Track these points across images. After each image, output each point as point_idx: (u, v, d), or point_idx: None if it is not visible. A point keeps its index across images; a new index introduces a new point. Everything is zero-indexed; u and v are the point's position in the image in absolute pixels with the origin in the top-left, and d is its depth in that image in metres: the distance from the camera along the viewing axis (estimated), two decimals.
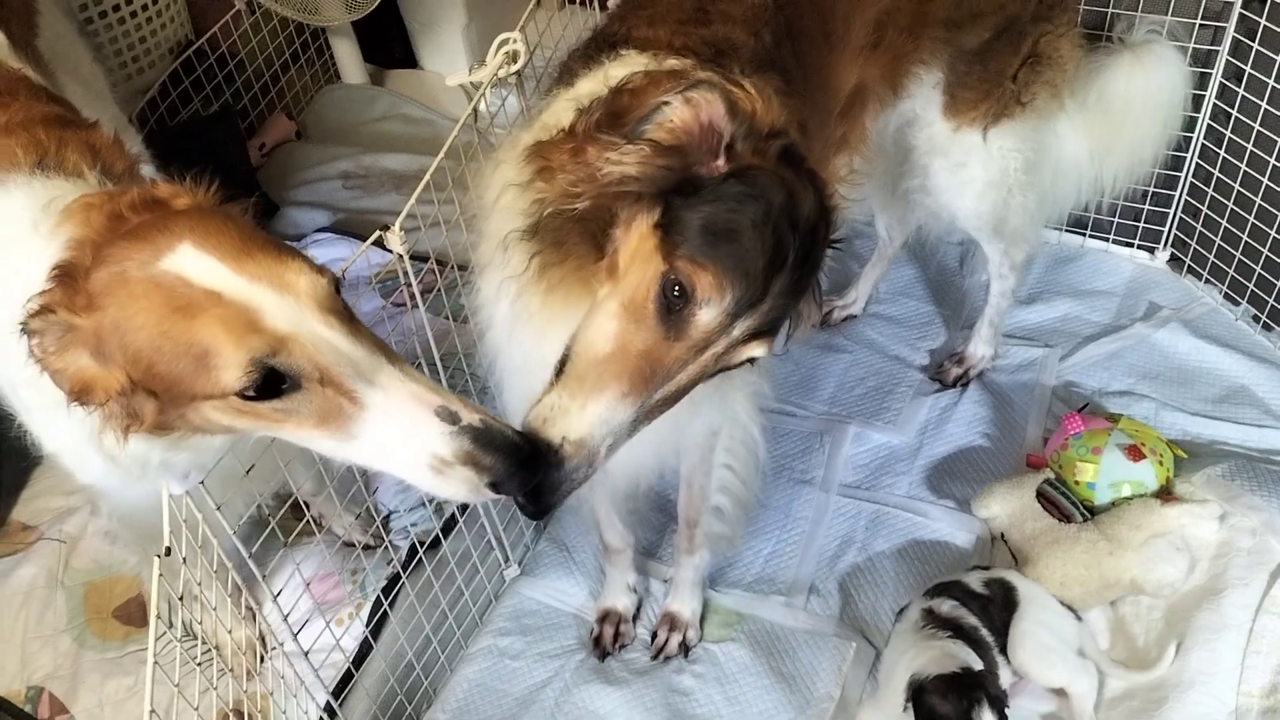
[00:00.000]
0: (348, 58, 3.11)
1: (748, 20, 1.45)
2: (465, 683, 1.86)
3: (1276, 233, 2.12)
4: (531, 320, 1.24)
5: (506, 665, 1.88)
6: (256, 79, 2.93)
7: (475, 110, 1.69)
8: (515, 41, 1.80)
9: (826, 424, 2.19)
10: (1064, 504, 1.87)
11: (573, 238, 1.16)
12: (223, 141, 2.59)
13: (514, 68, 1.77)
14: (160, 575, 1.08)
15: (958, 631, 1.60)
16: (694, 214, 1.08)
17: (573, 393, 1.09)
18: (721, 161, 1.10)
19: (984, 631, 1.65)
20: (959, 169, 1.89)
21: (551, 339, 1.18)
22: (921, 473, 2.08)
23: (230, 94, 2.84)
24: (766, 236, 1.07)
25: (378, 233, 1.46)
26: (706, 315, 1.07)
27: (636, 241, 1.11)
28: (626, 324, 1.10)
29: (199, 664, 1.41)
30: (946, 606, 1.65)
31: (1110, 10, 2.13)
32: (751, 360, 1.14)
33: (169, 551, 1.09)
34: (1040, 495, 1.90)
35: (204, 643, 1.57)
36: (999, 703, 1.43)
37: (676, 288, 1.07)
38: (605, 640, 1.89)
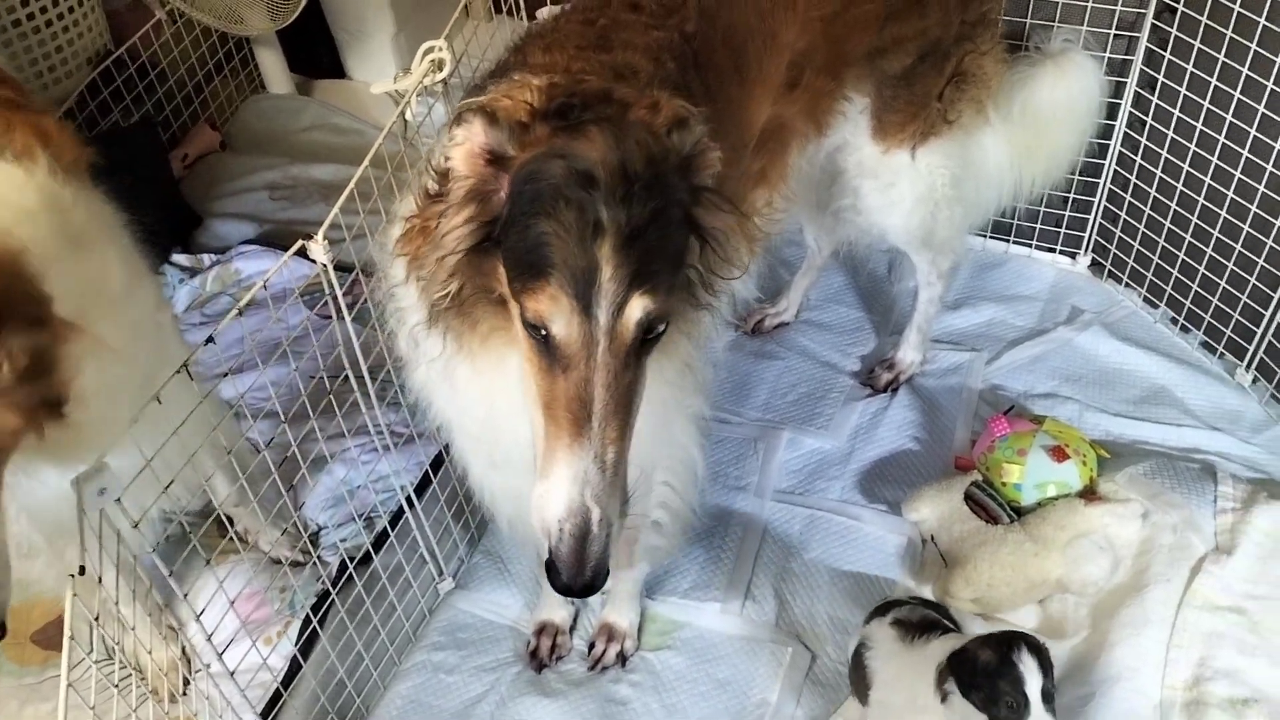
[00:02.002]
0: (273, 67, 3.07)
1: (650, 48, 1.43)
2: (399, 699, 1.83)
3: (1192, 237, 2.19)
4: (469, 388, 1.23)
5: (441, 680, 1.86)
6: (179, 89, 2.87)
7: (403, 118, 1.68)
8: (441, 49, 1.78)
9: (760, 430, 2.20)
10: (991, 505, 1.90)
11: (478, 308, 1.15)
12: (143, 153, 2.53)
13: (440, 76, 1.76)
14: (75, 595, 1.04)
15: (940, 627, 1.60)
16: (507, 243, 1.07)
17: (543, 473, 1.06)
18: (503, 177, 1.08)
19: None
20: (889, 189, 1.92)
21: (498, 392, 1.18)
22: (854, 477, 2.10)
23: (152, 104, 2.78)
24: (564, 215, 1.02)
25: (300, 243, 1.44)
26: (561, 330, 1.05)
27: (507, 294, 1.10)
28: (535, 378, 1.08)
29: (118, 687, 1.36)
30: (913, 614, 1.64)
31: (1029, 21, 2.18)
32: (658, 323, 1.08)
33: (83, 570, 1.05)
34: (968, 497, 1.93)
35: (124, 665, 1.52)
36: (1038, 649, 1.41)
37: (532, 324, 1.05)
38: (542, 652, 1.88)
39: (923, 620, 1.61)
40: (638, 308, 1.04)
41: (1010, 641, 1.41)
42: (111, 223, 1.57)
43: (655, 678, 1.83)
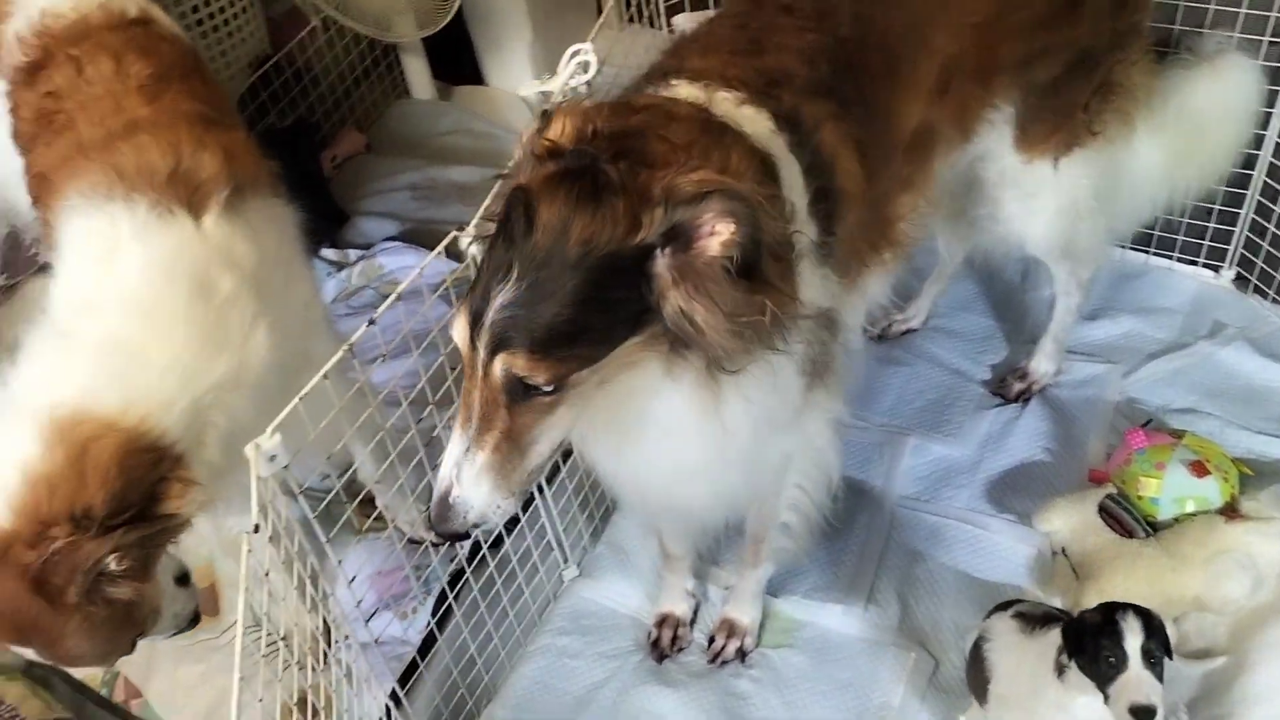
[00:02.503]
0: (417, 74, 3.19)
1: (804, 51, 1.45)
2: (525, 680, 1.89)
3: None
4: None
5: (565, 664, 1.91)
6: (330, 93, 3.02)
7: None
8: (587, 53, 1.85)
9: (885, 435, 2.19)
10: (1127, 519, 1.86)
11: None
12: (298, 153, 2.67)
13: (585, 77, 1.82)
14: (250, 551, 1.12)
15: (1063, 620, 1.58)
16: None
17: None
18: None
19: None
20: (1030, 199, 1.88)
21: None
22: (982, 486, 2.08)
23: (305, 107, 2.93)
24: (496, 251, 1.08)
25: (452, 234, 1.51)
26: (457, 344, 1.12)
27: None
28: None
29: (264, 656, 1.44)
30: (1036, 609, 1.62)
31: (1178, 28, 2.13)
32: (533, 386, 1.09)
33: (258, 528, 1.13)
34: (1103, 510, 1.89)
35: (270, 635, 1.60)
36: (1147, 614, 1.38)
37: None
38: (663, 643, 1.91)
39: (1046, 614, 1.59)
40: (499, 364, 1.08)
41: (1117, 606, 1.40)
42: (292, 232, 1.69)
43: (776, 674, 1.84)
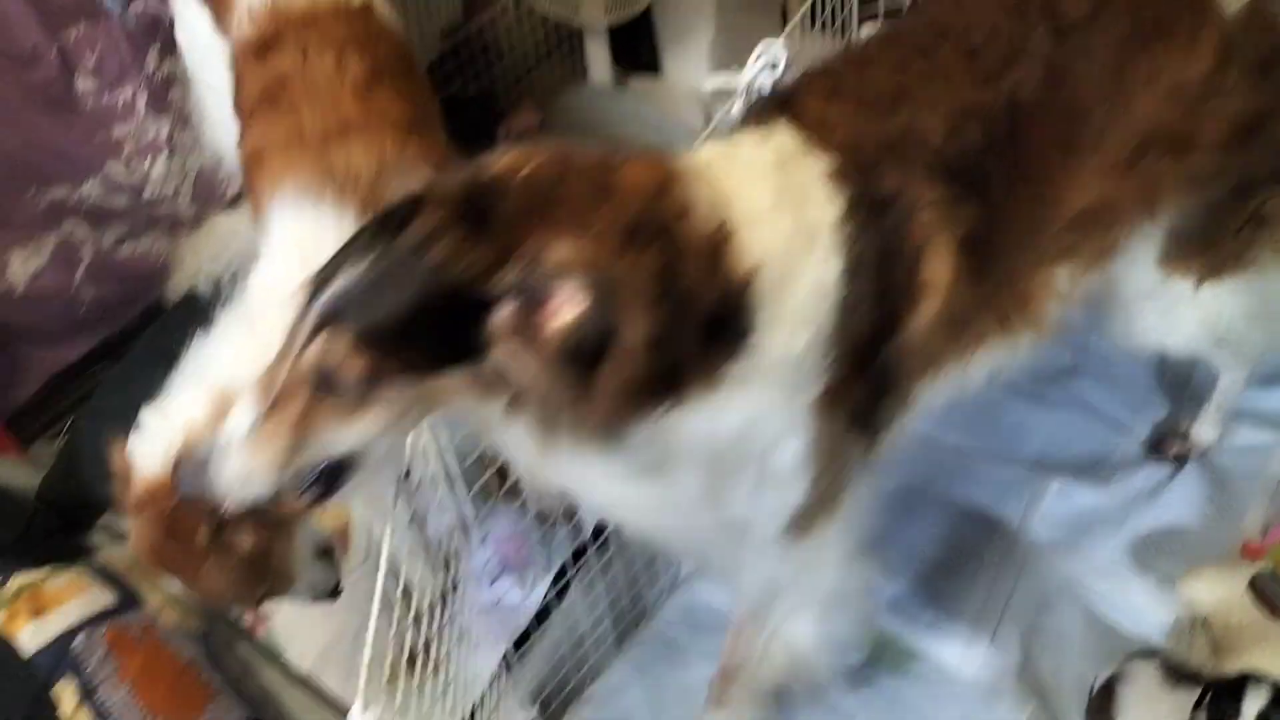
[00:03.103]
0: (598, 59, 3.23)
1: (957, 114, 1.30)
2: (629, 663, 1.91)
3: None
4: None
5: (671, 656, 1.92)
6: (512, 69, 3.09)
7: (732, 109, 1.75)
8: (778, 50, 1.85)
9: (1028, 475, 2.12)
10: (1279, 601, 1.75)
11: None
12: (477, 124, 2.74)
13: (773, 76, 1.82)
14: (400, 496, 1.16)
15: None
16: None
17: None
18: None
19: None
20: (1167, 313, 1.72)
21: None
22: (1125, 542, 1.98)
23: (487, 80, 3.01)
24: (361, 238, 1.04)
25: None
26: (292, 302, 1.07)
27: None
28: None
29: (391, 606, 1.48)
30: (1187, 666, 1.57)
31: None
32: (334, 381, 1.01)
33: (408, 474, 1.17)
34: (1254, 586, 1.78)
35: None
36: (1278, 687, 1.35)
37: None
38: None
39: (1193, 673, 1.52)
40: (320, 342, 1.01)
41: (1253, 674, 1.38)
42: None
43: (885, 701, 1.81)
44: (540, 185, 1.03)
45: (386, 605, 1.23)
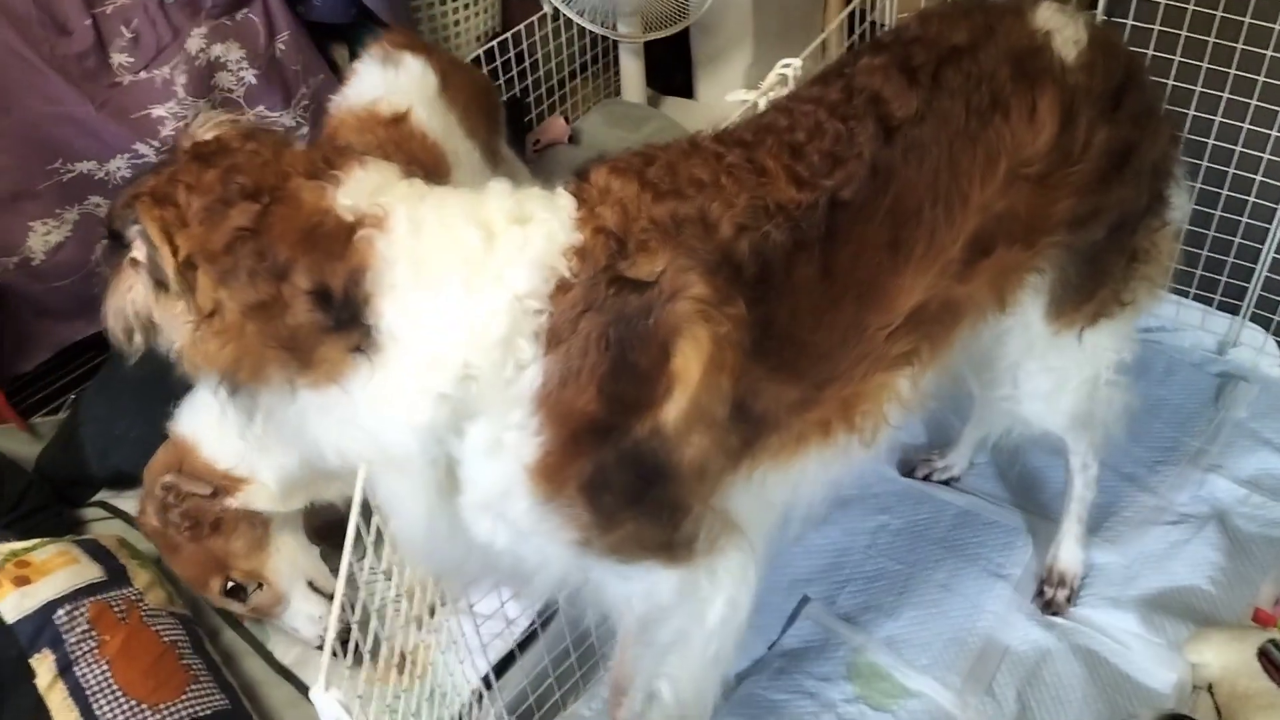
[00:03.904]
0: (631, 76, 3.23)
1: (759, 208, 1.22)
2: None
3: None
4: None
5: None
6: (545, 80, 3.09)
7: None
8: (794, 68, 1.85)
9: (1035, 524, 2.08)
10: None
11: None
12: (509, 130, 2.73)
13: (785, 90, 1.82)
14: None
15: None
16: None
17: None
18: None
19: None
20: (1055, 373, 1.67)
21: None
22: (1132, 601, 1.93)
23: (519, 89, 3.00)
24: None
25: None
26: None
27: None
28: None
29: (391, 605, 1.46)
30: None
31: None
32: None
33: None
34: (1263, 654, 1.74)
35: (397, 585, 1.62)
36: None
37: None
38: None
39: None
40: None
41: None
42: None
43: None
44: (201, 152, 1.14)
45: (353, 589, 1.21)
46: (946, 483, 2.20)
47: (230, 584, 1.77)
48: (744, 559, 1.37)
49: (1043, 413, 1.74)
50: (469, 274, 1.12)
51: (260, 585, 1.79)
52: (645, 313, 1.14)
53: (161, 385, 1.87)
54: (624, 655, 1.55)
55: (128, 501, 2.16)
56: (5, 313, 2.19)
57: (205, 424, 1.74)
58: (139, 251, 1.11)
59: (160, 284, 1.11)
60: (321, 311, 1.10)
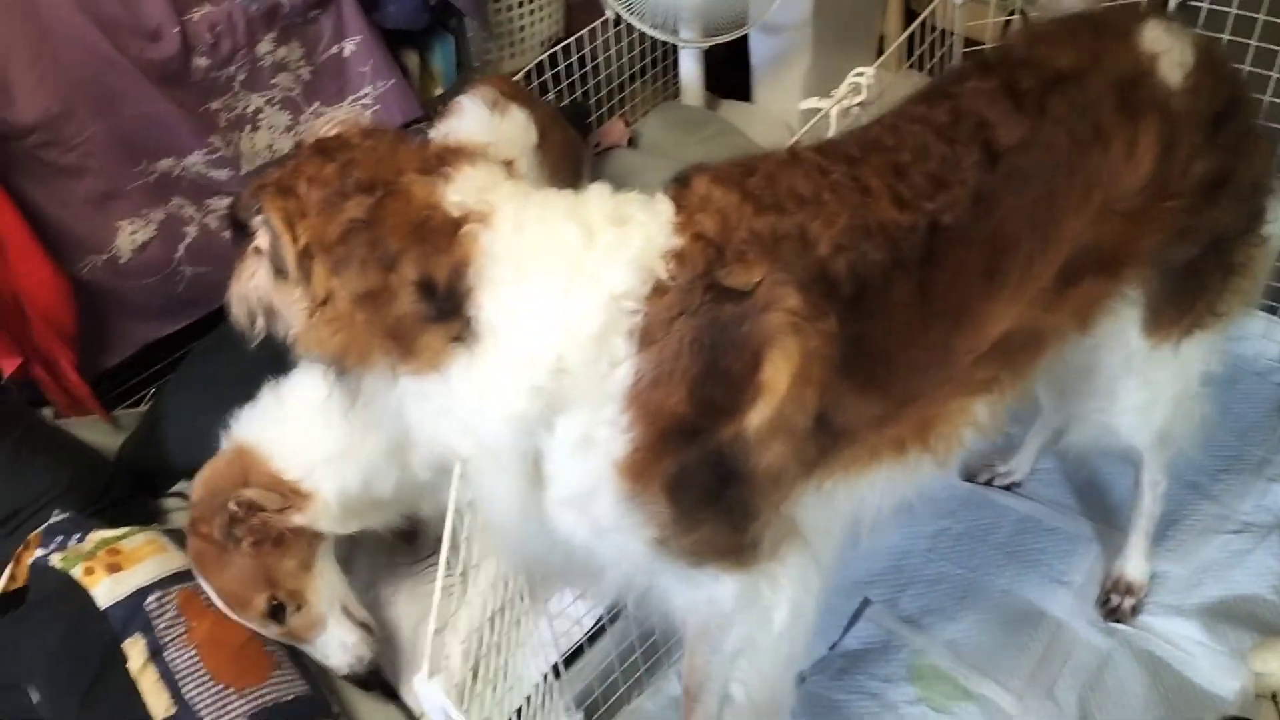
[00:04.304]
0: (691, 80, 3.26)
1: (859, 226, 1.23)
2: (676, 679, 1.90)
3: None
4: None
5: None
6: (606, 84, 3.13)
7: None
8: (868, 77, 1.87)
9: (1098, 532, 2.09)
10: None
11: None
12: None
13: (858, 99, 1.85)
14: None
15: None
16: None
17: None
18: None
19: None
20: (1149, 386, 1.66)
21: None
22: (1195, 609, 1.94)
23: (581, 93, 3.05)
24: None
25: None
26: None
27: None
28: None
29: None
30: None
31: None
32: None
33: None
34: None
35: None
36: None
37: None
38: None
39: None
40: None
41: None
42: None
43: None
44: (323, 146, 1.20)
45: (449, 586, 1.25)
46: (1008, 488, 2.21)
47: (274, 603, 1.72)
48: (806, 566, 1.40)
49: (1136, 426, 1.73)
50: (568, 271, 1.16)
51: (299, 607, 1.75)
52: (739, 321, 1.17)
53: (241, 382, 1.96)
54: (693, 660, 1.58)
55: None
56: (91, 310, 2.28)
57: (274, 433, 1.75)
58: (262, 240, 1.17)
59: (280, 271, 1.17)
60: (425, 302, 1.15)
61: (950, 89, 1.38)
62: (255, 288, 1.20)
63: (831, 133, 1.89)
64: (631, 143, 3.19)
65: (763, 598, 1.39)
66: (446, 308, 1.14)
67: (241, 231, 1.21)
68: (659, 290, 1.16)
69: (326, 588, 1.78)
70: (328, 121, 1.27)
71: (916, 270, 1.26)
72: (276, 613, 1.73)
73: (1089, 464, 2.18)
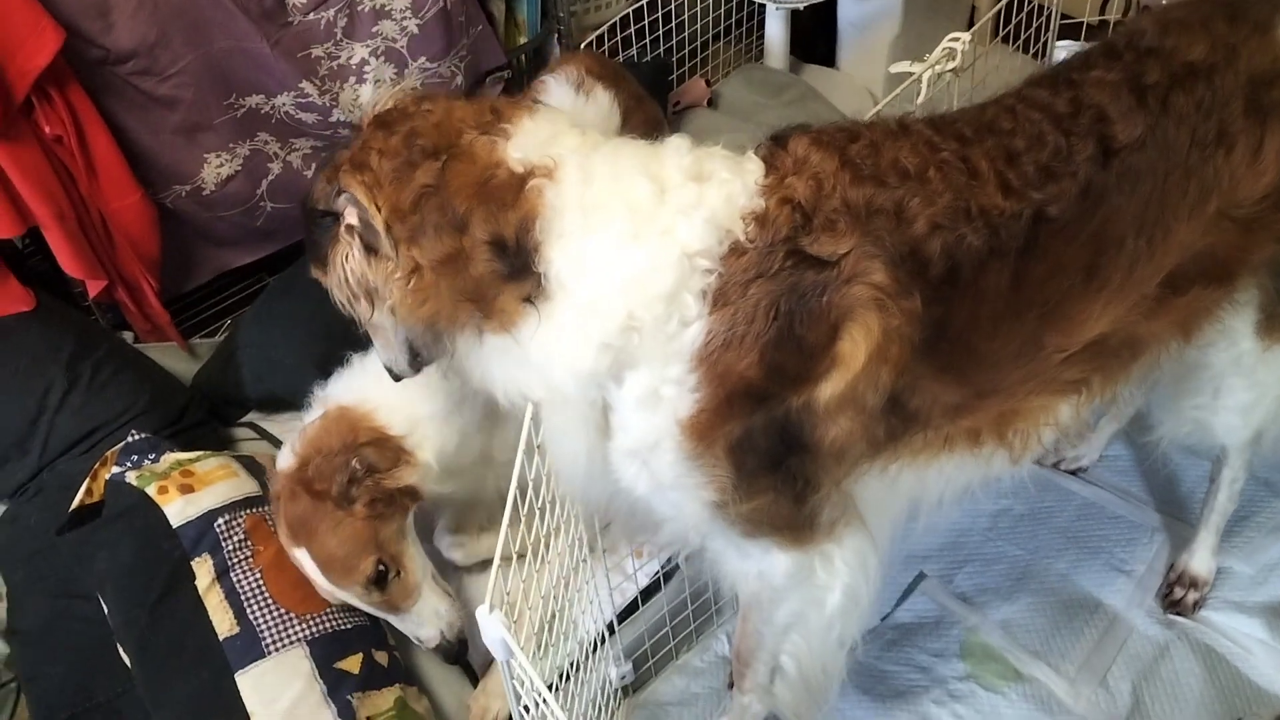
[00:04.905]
0: (776, 41, 3.22)
1: (960, 209, 1.19)
2: (725, 636, 1.93)
3: None
4: None
5: None
6: (689, 41, 3.11)
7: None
8: (962, 44, 1.83)
9: (1163, 522, 2.06)
10: None
11: None
12: (650, 89, 2.77)
13: (951, 65, 1.82)
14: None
15: None
16: None
17: None
18: None
19: None
20: (1258, 386, 1.61)
21: None
22: (1257, 607, 1.90)
23: (664, 49, 3.03)
24: None
25: None
26: None
27: None
28: None
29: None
30: None
31: None
32: None
33: None
34: None
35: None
36: None
37: None
38: None
39: None
40: None
41: None
42: None
43: (982, 718, 1.78)
44: (384, 120, 1.22)
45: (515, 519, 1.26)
46: (1074, 472, 2.18)
47: (380, 567, 1.69)
48: (864, 549, 1.39)
49: (1236, 426, 1.68)
50: (637, 225, 1.15)
51: (398, 573, 1.72)
52: (820, 290, 1.15)
53: (316, 317, 2.00)
54: (745, 626, 1.58)
55: (276, 424, 2.29)
56: (174, 238, 2.33)
57: (376, 394, 1.73)
58: (351, 216, 1.19)
59: (370, 247, 1.18)
60: (499, 260, 1.16)
61: (1074, 76, 1.32)
62: (351, 270, 1.20)
63: (921, 99, 1.86)
64: (711, 103, 3.16)
65: (816, 578, 1.39)
66: (518, 264, 1.15)
67: (326, 219, 1.22)
68: (736, 251, 1.15)
69: (419, 555, 1.77)
70: (383, 96, 1.27)
71: (1014, 260, 1.22)
72: (381, 579, 1.69)
73: (1158, 453, 2.13)
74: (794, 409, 1.20)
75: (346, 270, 1.21)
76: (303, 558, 1.70)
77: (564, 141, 1.20)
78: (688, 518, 1.31)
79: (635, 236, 1.15)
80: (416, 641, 1.79)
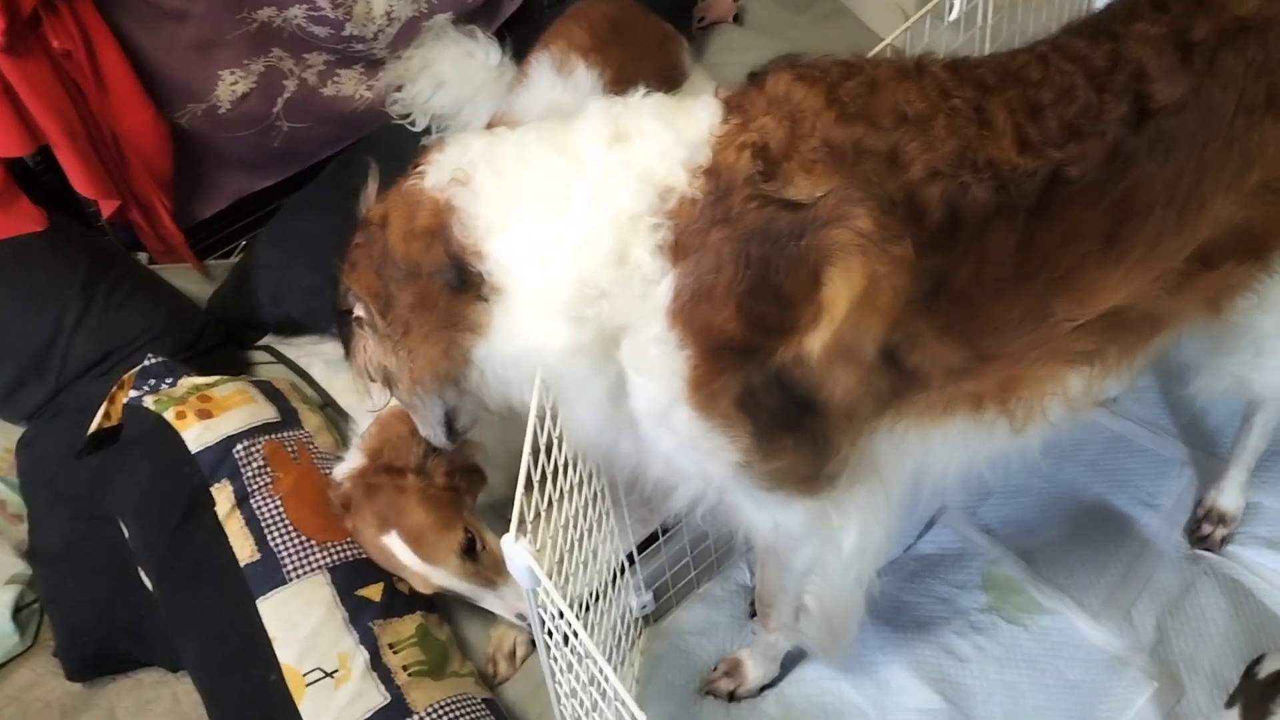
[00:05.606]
0: None
1: (967, 160, 1.12)
2: (746, 569, 1.92)
3: None
4: None
5: None
6: None
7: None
8: None
9: (1193, 456, 2.02)
10: None
11: None
12: (674, 5, 2.68)
13: None
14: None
15: None
16: None
17: None
18: None
19: None
20: None
21: None
22: None
23: None
24: None
25: None
26: None
27: None
28: None
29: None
30: None
31: None
32: None
33: None
34: None
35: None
36: None
37: None
38: None
39: None
40: None
41: None
42: None
43: (1002, 649, 1.78)
44: (364, 221, 1.29)
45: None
46: (1102, 404, 2.14)
47: (469, 538, 1.67)
48: (876, 496, 1.37)
49: (1275, 384, 1.61)
50: (558, 198, 1.15)
51: (484, 546, 1.70)
52: (797, 235, 1.09)
53: (332, 236, 1.96)
54: (764, 573, 1.58)
55: (293, 348, 2.27)
56: (189, 159, 2.29)
57: None
58: (360, 310, 1.29)
59: (375, 329, 1.27)
60: (446, 278, 1.19)
61: (1116, 27, 1.23)
62: (369, 359, 1.30)
63: (953, 16, 1.79)
64: (737, 19, 3.07)
65: (830, 523, 1.38)
66: (460, 273, 1.18)
67: (343, 322, 1.34)
68: (683, 202, 1.11)
69: (490, 530, 1.75)
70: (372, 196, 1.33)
71: (1024, 219, 1.15)
72: (470, 549, 1.68)
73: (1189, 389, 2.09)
74: (788, 362, 1.15)
75: (366, 358, 1.31)
76: (393, 544, 1.68)
77: (471, 151, 1.22)
78: (709, 476, 1.30)
79: (559, 210, 1.16)
80: (515, 620, 1.75)
